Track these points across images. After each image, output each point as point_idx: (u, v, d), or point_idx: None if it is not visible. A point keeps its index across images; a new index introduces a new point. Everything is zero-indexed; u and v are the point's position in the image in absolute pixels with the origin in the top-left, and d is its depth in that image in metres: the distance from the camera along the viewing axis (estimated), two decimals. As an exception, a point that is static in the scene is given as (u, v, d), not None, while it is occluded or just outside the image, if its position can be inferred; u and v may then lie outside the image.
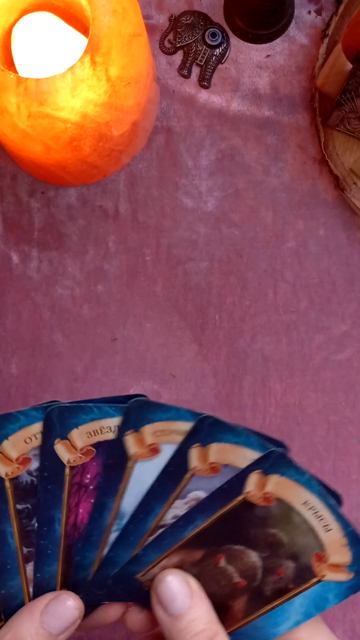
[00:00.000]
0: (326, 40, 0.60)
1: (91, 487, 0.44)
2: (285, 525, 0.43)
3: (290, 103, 0.61)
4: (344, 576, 0.43)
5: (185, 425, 0.43)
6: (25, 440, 0.43)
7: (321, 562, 0.43)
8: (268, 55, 0.62)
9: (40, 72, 0.53)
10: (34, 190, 0.62)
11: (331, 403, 0.60)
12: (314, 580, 0.43)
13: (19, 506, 0.43)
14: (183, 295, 0.61)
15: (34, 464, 0.43)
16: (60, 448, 0.43)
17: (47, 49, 0.54)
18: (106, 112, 0.51)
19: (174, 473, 0.43)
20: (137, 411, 0.43)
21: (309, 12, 0.62)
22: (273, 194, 0.61)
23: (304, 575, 0.43)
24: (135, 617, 0.45)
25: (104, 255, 0.61)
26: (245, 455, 0.43)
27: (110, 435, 0.43)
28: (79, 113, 0.49)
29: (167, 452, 0.43)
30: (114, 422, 0.43)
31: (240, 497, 0.43)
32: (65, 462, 0.43)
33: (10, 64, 0.54)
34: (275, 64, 0.62)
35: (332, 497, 0.44)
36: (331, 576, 0.43)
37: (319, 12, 0.62)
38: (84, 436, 0.43)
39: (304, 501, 0.43)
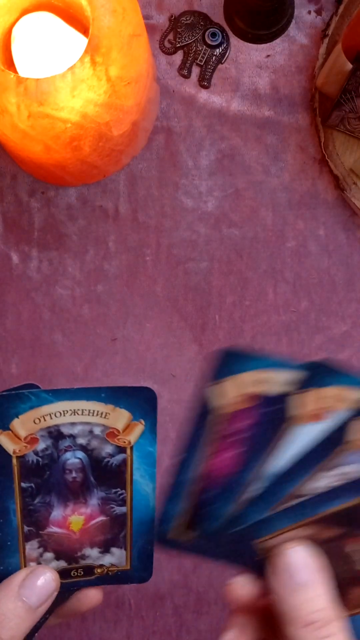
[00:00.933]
0: (326, 40, 0.60)
1: (238, 437, 0.43)
2: None
3: (290, 103, 0.61)
4: None
5: (355, 395, 0.41)
6: (35, 420, 0.44)
7: None
8: (268, 55, 0.62)
9: (40, 72, 0.53)
10: (34, 190, 0.62)
11: (331, 403, 0.60)
12: None
13: (23, 484, 0.44)
14: (183, 295, 0.61)
15: (41, 445, 0.44)
16: (213, 391, 0.42)
17: (47, 49, 0.53)
18: (106, 112, 0.51)
19: (330, 443, 0.42)
20: (319, 372, 0.42)
21: (309, 12, 0.62)
22: (273, 194, 0.61)
23: None
24: (243, 588, 0.43)
25: (104, 255, 0.61)
26: None
27: (279, 389, 0.42)
28: (79, 113, 0.49)
29: (331, 420, 0.42)
30: (288, 376, 0.42)
31: None
32: (213, 407, 0.42)
33: (10, 64, 0.54)
34: (275, 64, 0.61)
35: None
36: None
37: (319, 12, 0.62)
38: (248, 384, 0.42)
39: None
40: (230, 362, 0.43)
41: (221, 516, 0.43)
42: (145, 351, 0.61)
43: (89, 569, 0.46)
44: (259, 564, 0.43)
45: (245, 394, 0.42)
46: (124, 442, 0.44)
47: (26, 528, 0.44)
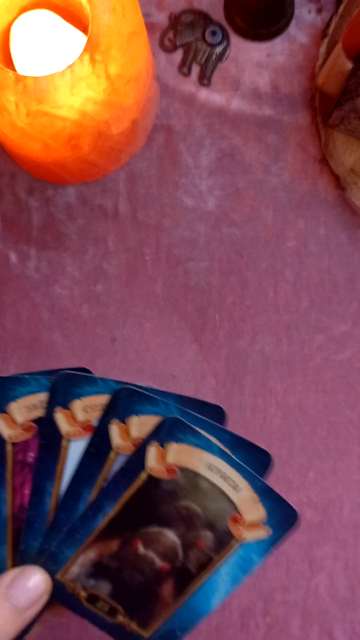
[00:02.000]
0: (326, 40, 0.60)
1: (31, 465, 0.42)
2: (195, 494, 0.42)
3: (291, 102, 0.61)
4: (263, 533, 0.42)
5: (103, 400, 0.41)
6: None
7: (238, 524, 0.42)
8: (268, 54, 0.61)
9: (39, 71, 0.53)
10: (33, 189, 0.61)
11: (332, 403, 0.60)
12: (235, 544, 0.42)
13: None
14: (183, 295, 0.61)
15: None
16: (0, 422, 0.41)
17: (46, 47, 0.53)
18: (105, 111, 0.50)
19: (97, 454, 0.42)
20: (63, 385, 0.41)
21: (309, 12, 0.62)
22: (273, 193, 0.61)
23: (224, 541, 0.42)
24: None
25: (103, 255, 0.61)
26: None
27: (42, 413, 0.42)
28: (78, 111, 0.48)
29: (95, 430, 0.41)
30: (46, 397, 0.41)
31: (143, 474, 0.42)
32: (6, 438, 0.41)
33: (9, 62, 0.54)
34: (276, 63, 0.61)
35: (234, 456, 0.42)
36: (250, 536, 0.42)
37: (319, 11, 0.62)
38: (23, 410, 0.41)
39: (207, 465, 0.42)
40: (3, 388, 0.41)
41: (31, 555, 0.43)
42: (144, 351, 0.61)
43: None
44: (74, 598, 0.43)
45: (26, 420, 0.42)
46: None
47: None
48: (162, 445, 0.41)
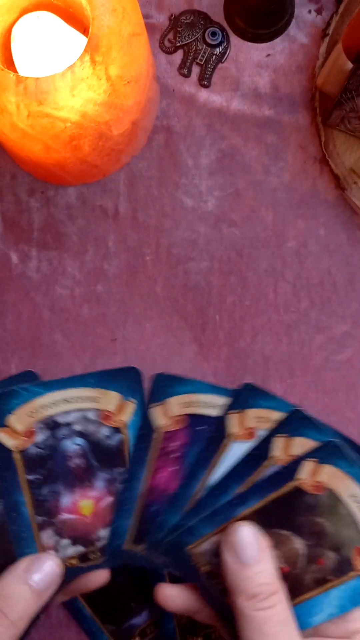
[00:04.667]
0: (326, 40, 0.60)
1: (175, 455, 0.46)
2: (332, 515, 0.45)
3: (291, 102, 0.61)
4: None
5: (276, 415, 0.46)
6: (29, 414, 0.45)
7: None
8: (268, 55, 0.61)
9: (40, 72, 0.53)
10: (34, 189, 0.61)
11: (332, 403, 0.60)
12: (352, 574, 0.44)
13: (29, 476, 0.45)
14: (183, 295, 0.61)
15: (40, 437, 0.45)
16: (155, 412, 0.46)
17: (47, 49, 0.53)
18: (106, 112, 0.50)
19: (257, 458, 0.45)
20: (246, 394, 0.46)
21: (309, 12, 0.62)
22: (273, 193, 0.61)
23: (344, 567, 0.44)
24: (166, 592, 0.47)
25: (103, 255, 0.61)
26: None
27: (207, 411, 0.46)
28: (78, 112, 0.48)
29: (258, 438, 0.46)
30: (213, 399, 0.46)
31: (293, 483, 0.45)
32: (155, 426, 0.46)
33: (10, 64, 0.54)
34: (276, 63, 0.61)
35: None
36: None
37: (319, 11, 0.62)
38: (179, 405, 0.46)
39: (351, 493, 0.44)
40: (167, 385, 0.47)
41: (166, 528, 0.46)
42: (145, 351, 0.61)
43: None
44: (194, 570, 0.46)
45: (178, 415, 0.46)
46: (119, 422, 0.46)
47: (39, 518, 0.46)
48: (320, 463, 0.45)
